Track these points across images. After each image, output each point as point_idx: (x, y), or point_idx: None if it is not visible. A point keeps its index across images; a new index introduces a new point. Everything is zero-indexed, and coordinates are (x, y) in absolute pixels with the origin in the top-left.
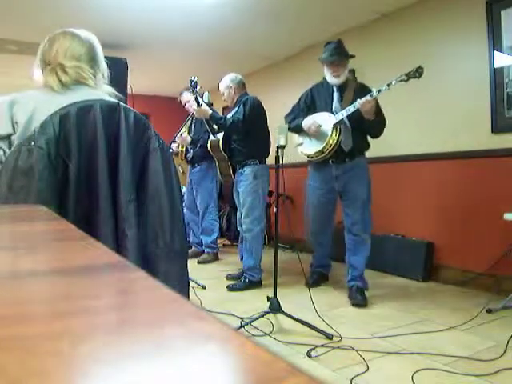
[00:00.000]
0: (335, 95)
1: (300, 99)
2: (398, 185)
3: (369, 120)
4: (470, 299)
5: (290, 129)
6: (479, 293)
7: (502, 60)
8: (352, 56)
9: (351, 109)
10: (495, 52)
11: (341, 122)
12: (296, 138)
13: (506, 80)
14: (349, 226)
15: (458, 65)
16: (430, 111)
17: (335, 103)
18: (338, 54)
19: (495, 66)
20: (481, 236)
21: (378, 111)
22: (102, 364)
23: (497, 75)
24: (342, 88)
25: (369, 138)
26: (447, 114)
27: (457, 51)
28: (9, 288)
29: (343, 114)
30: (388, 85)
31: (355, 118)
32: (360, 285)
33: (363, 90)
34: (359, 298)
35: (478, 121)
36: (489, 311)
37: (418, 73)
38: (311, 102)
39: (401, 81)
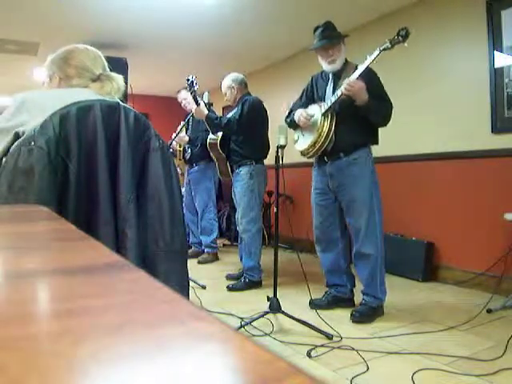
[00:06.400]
0: (329, 83)
1: (302, 93)
2: (398, 185)
3: (363, 106)
4: (470, 299)
5: (289, 125)
6: (479, 293)
7: (501, 60)
8: (345, 36)
9: (338, 93)
10: (495, 52)
11: (330, 110)
12: (293, 135)
13: (506, 80)
14: (353, 237)
15: (458, 65)
16: (430, 111)
17: (328, 92)
18: (328, 38)
19: (495, 66)
20: (481, 236)
21: (377, 94)
22: (102, 364)
23: (497, 75)
24: (338, 75)
25: (373, 129)
26: (447, 113)
27: (457, 51)
28: (9, 288)
29: (331, 101)
30: (370, 58)
31: (347, 105)
32: (366, 300)
33: (363, 76)
34: (355, 314)
35: (478, 121)
36: (489, 311)
37: (400, 36)
38: (311, 95)
39: (384, 49)
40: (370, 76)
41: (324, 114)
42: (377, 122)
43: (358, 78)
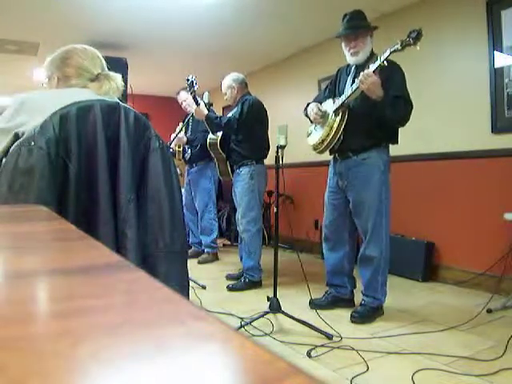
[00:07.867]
0: (350, 77)
1: (327, 85)
2: (398, 185)
3: (379, 102)
4: (470, 299)
5: (306, 116)
6: (479, 293)
7: (502, 60)
8: (375, 27)
9: (354, 87)
10: (495, 52)
11: (342, 107)
12: (308, 128)
13: (506, 80)
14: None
15: (458, 65)
16: (430, 111)
17: (347, 86)
18: (353, 27)
19: (495, 66)
20: (481, 236)
21: (397, 90)
22: (102, 364)
23: (497, 75)
24: (361, 69)
25: (390, 129)
26: (447, 113)
27: (457, 51)
28: (9, 288)
29: (346, 95)
30: (382, 58)
31: (362, 103)
32: (366, 300)
33: (385, 70)
34: (355, 315)
35: (477, 121)
36: (489, 311)
37: (411, 38)
38: (334, 88)
39: (395, 51)
40: (393, 71)
41: (335, 111)
42: (395, 118)
43: (374, 72)
